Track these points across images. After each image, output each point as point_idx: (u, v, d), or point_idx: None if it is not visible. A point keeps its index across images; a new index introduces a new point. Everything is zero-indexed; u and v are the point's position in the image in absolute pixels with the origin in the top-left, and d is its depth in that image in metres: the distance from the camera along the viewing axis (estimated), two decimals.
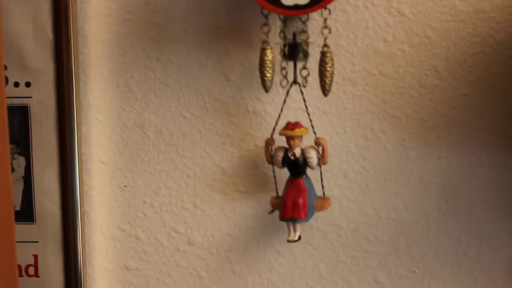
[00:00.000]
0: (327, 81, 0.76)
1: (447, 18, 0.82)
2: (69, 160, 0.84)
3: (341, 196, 0.85)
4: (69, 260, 0.85)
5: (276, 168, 0.81)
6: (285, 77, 0.78)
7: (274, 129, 0.80)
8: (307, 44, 0.77)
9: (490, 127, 0.83)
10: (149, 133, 0.86)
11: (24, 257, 0.85)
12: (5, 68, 0.83)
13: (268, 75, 0.76)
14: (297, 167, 0.78)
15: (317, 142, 0.79)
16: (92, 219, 0.88)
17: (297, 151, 0.78)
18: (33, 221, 0.85)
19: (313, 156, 0.78)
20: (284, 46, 0.77)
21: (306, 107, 0.79)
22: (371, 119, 0.84)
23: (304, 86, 0.78)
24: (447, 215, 0.85)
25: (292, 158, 0.78)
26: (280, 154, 0.79)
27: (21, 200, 0.85)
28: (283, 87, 0.78)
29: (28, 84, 0.83)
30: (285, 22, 0.77)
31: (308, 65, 0.78)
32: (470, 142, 0.84)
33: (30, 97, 0.84)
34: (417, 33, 0.82)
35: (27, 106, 0.84)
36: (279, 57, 0.78)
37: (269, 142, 0.80)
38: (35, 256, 0.86)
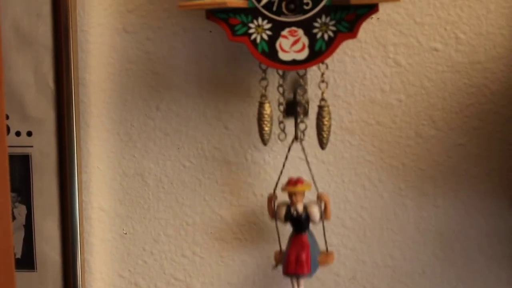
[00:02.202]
0: (325, 135, 0.77)
1: (443, 69, 0.83)
2: (70, 207, 0.85)
3: (339, 244, 0.86)
4: None
5: (279, 223, 0.81)
6: (283, 130, 0.79)
7: (276, 184, 0.81)
8: (307, 102, 0.78)
9: (486, 176, 0.84)
10: (149, 181, 0.87)
11: None
12: (7, 117, 0.84)
13: (266, 129, 0.77)
14: (300, 223, 0.79)
15: (320, 197, 0.79)
16: (92, 266, 0.89)
17: (300, 207, 0.79)
18: (34, 269, 0.86)
19: (315, 212, 0.79)
20: (286, 104, 0.78)
21: (307, 161, 0.80)
22: (369, 168, 0.85)
23: (302, 140, 0.79)
24: (444, 263, 0.86)
25: (295, 214, 0.79)
26: (283, 210, 0.79)
27: (22, 248, 0.86)
28: (281, 140, 0.79)
29: (29, 133, 0.84)
30: (283, 76, 0.78)
31: (306, 117, 0.79)
32: (467, 191, 0.85)
33: (32, 146, 0.84)
34: (413, 84, 0.83)
35: (28, 155, 0.85)
36: (277, 111, 0.79)
37: (272, 197, 0.80)
38: None
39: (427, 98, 0.83)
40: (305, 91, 0.78)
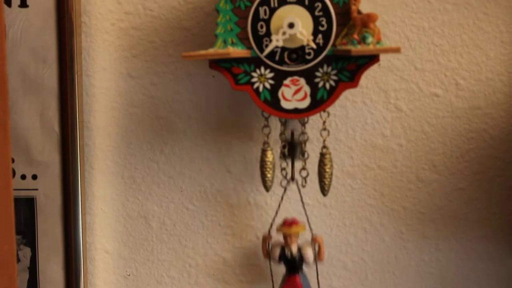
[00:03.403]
0: (326, 182, 0.78)
1: (443, 114, 0.84)
2: (74, 249, 0.86)
3: (340, 287, 0.87)
4: None
5: (273, 263, 0.82)
6: (285, 177, 0.80)
7: (271, 225, 0.82)
8: (304, 142, 0.79)
9: (487, 220, 0.85)
10: (153, 223, 0.88)
11: None
12: (13, 161, 0.85)
13: (268, 175, 0.78)
14: (293, 264, 0.80)
15: (314, 240, 0.80)
16: None
17: (294, 248, 0.80)
18: None
19: (309, 253, 0.80)
20: (283, 146, 0.79)
21: (302, 203, 0.81)
22: (370, 211, 0.86)
23: (304, 186, 0.80)
24: None
25: (289, 255, 0.80)
26: (277, 251, 0.80)
27: None
28: (282, 187, 0.80)
29: (34, 177, 0.85)
30: (285, 124, 0.79)
31: (307, 160, 0.80)
32: (467, 235, 0.86)
33: (36, 189, 0.85)
34: (414, 129, 0.84)
35: (33, 198, 0.86)
36: (279, 158, 0.80)
37: (266, 238, 0.82)
38: None
39: (427, 143, 0.84)
40: (306, 138, 0.79)
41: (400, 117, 0.84)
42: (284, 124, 0.79)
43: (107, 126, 0.87)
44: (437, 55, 0.83)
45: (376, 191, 0.85)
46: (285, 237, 0.80)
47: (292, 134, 0.79)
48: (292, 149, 0.79)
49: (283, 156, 0.79)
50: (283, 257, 0.80)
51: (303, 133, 0.78)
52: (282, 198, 0.81)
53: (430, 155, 0.85)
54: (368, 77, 0.83)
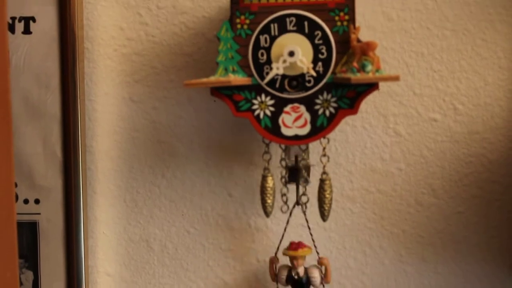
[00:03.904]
0: (326, 207, 0.78)
1: (442, 139, 0.85)
2: (76, 273, 0.87)
3: None
4: None
5: (280, 286, 0.83)
6: (285, 203, 0.81)
7: (278, 248, 0.83)
8: (308, 167, 0.80)
9: (486, 244, 0.86)
10: (154, 247, 0.88)
11: None
12: (16, 185, 0.85)
13: (269, 201, 0.79)
14: (300, 286, 0.81)
15: (320, 262, 0.81)
16: None
17: (301, 270, 0.80)
18: None
19: (316, 276, 0.80)
20: (286, 172, 0.80)
21: (308, 227, 0.82)
22: (370, 235, 0.87)
23: (304, 211, 0.81)
24: None
25: (296, 277, 0.80)
26: (284, 273, 0.81)
27: None
28: (283, 212, 0.81)
29: (37, 201, 0.86)
30: (285, 150, 0.80)
31: (307, 183, 0.81)
32: (466, 258, 0.86)
33: (39, 214, 0.86)
34: (413, 153, 0.85)
35: (36, 222, 0.86)
36: (280, 183, 0.80)
37: (273, 260, 0.82)
38: None
39: (426, 167, 0.85)
40: (307, 163, 0.79)
41: (399, 141, 0.85)
42: (284, 150, 0.80)
43: (110, 150, 0.88)
44: (435, 81, 0.84)
45: (375, 214, 0.86)
46: (291, 259, 0.80)
47: (296, 158, 0.80)
48: (296, 174, 0.80)
49: (284, 182, 0.80)
50: (290, 280, 0.81)
51: (303, 159, 0.79)
52: (287, 222, 0.82)
53: (429, 179, 0.85)
54: (367, 102, 0.84)
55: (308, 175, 0.80)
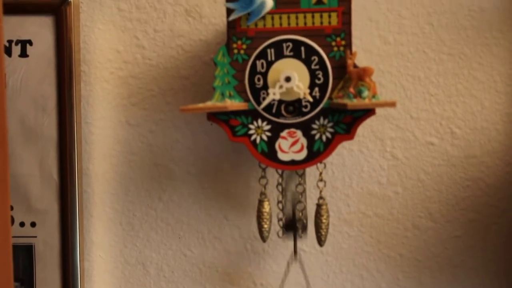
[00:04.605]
0: (323, 233, 0.78)
1: (439, 163, 0.85)
2: None
3: None
4: None
5: None
6: (282, 227, 0.81)
7: None
8: (306, 218, 0.80)
9: (483, 268, 0.86)
10: (151, 270, 0.88)
11: None
12: (12, 208, 0.85)
13: (265, 226, 0.79)
14: None
15: None
16: None
17: None
18: None
19: None
20: (285, 221, 0.80)
21: (307, 281, 0.82)
22: (367, 258, 0.86)
23: (301, 237, 0.80)
24: None
25: None
26: None
27: None
28: (279, 237, 0.81)
29: (33, 224, 0.86)
30: (282, 175, 0.80)
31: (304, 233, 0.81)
32: (463, 282, 0.86)
33: (35, 237, 0.86)
34: (410, 177, 0.85)
35: (32, 245, 0.86)
36: (276, 208, 0.80)
37: None
38: None
39: (423, 191, 0.85)
40: (303, 189, 0.79)
41: (396, 165, 0.85)
42: (281, 175, 0.80)
43: (106, 173, 0.87)
44: (432, 104, 0.84)
45: (372, 238, 0.86)
46: None
47: (293, 209, 0.79)
48: (294, 224, 0.80)
49: (283, 231, 0.80)
50: None
51: (300, 184, 0.79)
52: (285, 274, 0.82)
53: (426, 203, 0.85)
54: (364, 125, 0.84)
55: (305, 228, 0.80)
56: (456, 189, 0.85)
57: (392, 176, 0.85)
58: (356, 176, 0.85)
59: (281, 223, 0.81)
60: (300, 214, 0.80)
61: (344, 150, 0.85)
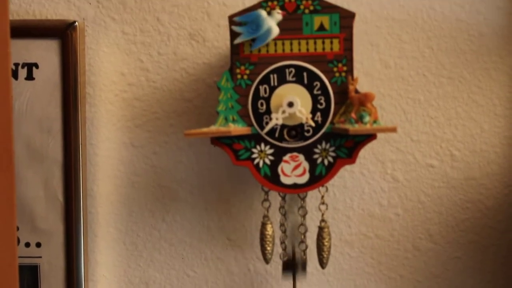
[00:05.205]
0: (325, 255, 0.79)
1: (439, 185, 0.86)
2: None
3: None
4: None
5: None
6: (284, 250, 0.82)
7: None
8: (305, 262, 0.81)
9: None
10: None
11: None
12: (17, 229, 0.86)
13: (268, 248, 0.80)
14: None
15: None
16: None
17: None
18: None
19: None
20: (284, 263, 0.81)
21: None
22: (367, 279, 0.87)
23: (304, 268, 0.81)
24: None
25: None
26: None
27: None
28: (281, 259, 0.82)
29: (38, 245, 0.87)
30: (284, 198, 0.81)
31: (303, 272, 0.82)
32: None
33: (40, 257, 0.87)
34: (411, 199, 0.86)
35: (37, 266, 0.87)
36: (279, 231, 0.81)
37: None
38: None
39: (424, 213, 0.86)
40: (305, 212, 0.80)
41: (397, 187, 0.86)
42: (283, 198, 0.81)
43: (110, 194, 0.88)
44: (432, 127, 0.85)
45: (373, 259, 0.87)
46: None
47: (293, 250, 0.81)
48: (293, 265, 0.81)
49: (282, 270, 0.81)
50: None
51: (302, 207, 0.80)
52: None
53: (427, 224, 0.86)
54: (365, 148, 0.84)
55: (304, 268, 0.81)
56: (456, 211, 0.86)
57: (392, 198, 0.86)
58: (357, 198, 0.87)
59: (283, 245, 0.82)
60: (302, 253, 0.81)
61: (345, 172, 0.86)
